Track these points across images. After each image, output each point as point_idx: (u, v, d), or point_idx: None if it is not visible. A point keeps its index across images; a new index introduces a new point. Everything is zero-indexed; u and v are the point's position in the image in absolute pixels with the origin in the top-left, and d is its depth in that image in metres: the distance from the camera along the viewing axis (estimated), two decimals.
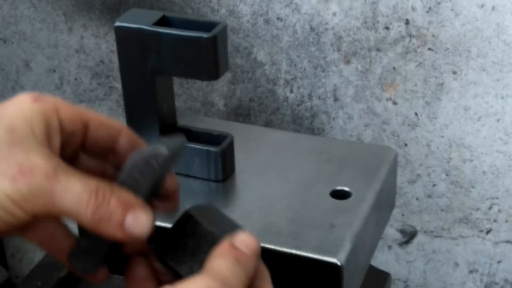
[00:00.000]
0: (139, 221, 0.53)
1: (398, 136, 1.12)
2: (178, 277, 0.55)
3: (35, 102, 0.54)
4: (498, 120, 1.07)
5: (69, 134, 0.56)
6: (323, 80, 1.12)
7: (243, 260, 0.53)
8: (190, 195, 0.77)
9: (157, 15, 0.75)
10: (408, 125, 1.11)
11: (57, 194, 0.51)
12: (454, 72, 1.06)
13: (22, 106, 0.54)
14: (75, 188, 0.52)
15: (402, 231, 1.20)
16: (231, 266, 0.52)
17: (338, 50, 1.09)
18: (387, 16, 1.05)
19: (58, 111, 0.55)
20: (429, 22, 1.03)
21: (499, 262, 1.17)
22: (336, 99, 1.13)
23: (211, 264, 0.52)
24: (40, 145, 0.53)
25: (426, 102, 1.09)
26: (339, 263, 0.67)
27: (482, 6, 1.00)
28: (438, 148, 1.11)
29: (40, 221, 0.56)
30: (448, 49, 1.04)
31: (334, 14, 1.07)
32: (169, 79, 0.78)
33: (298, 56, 1.12)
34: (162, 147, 0.54)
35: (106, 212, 0.52)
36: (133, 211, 0.53)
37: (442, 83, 1.07)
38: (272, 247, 0.69)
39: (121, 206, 0.52)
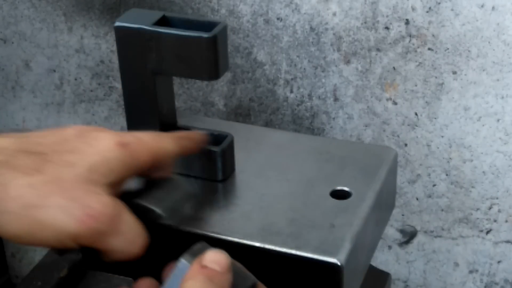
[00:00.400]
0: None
1: (398, 136, 1.12)
2: None
3: (121, 148, 0.59)
4: (498, 120, 1.07)
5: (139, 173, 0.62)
6: (323, 80, 1.12)
7: (215, 278, 0.53)
8: (190, 195, 0.77)
9: (157, 15, 0.75)
10: (408, 125, 1.11)
11: (115, 237, 0.58)
12: (454, 72, 1.06)
13: (107, 149, 0.58)
14: (134, 229, 0.59)
15: (402, 231, 1.20)
16: (204, 286, 0.52)
17: (338, 50, 1.09)
18: (387, 16, 1.05)
19: (139, 159, 0.60)
20: (429, 22, 1.03)
21: (499, 262, 1.17)
22: (336, 99, 1.13)
23: None
24: (112, 188, 0.58)
25: (426, 102, 1.09)
26: (339, 263, 0.67)
27: (482, 6, 1.00)
28: (438, 148, 1.11)
29: None
30: (448, 49, 1.04)
31: (334, 14, 1.07)
32: (169, 79, 0.78)
33: (298, 56, 1.12)
34: None
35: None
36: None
37: (442, 83, 1.07)
38: (272, 247, 0.69)
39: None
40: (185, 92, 1.20)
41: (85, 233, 0.55)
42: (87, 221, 0.55)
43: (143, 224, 0.61)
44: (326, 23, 1.08)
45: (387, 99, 1.10)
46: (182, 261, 0.56)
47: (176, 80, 1.17)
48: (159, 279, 0.73)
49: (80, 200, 0.55)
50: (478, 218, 1.14)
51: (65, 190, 0.54)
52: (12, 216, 0.53)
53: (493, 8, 1.00)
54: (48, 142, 0.57)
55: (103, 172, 0.57)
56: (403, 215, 1.18)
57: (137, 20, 0.74)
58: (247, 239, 0.69)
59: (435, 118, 1.09)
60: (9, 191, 0.53)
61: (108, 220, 0.56)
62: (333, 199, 0.75)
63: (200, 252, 0.57)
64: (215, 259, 0.55)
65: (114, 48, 1.12)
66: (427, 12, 1.03)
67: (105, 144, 0.58)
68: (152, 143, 0.62)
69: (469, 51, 1.04)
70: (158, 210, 0.67)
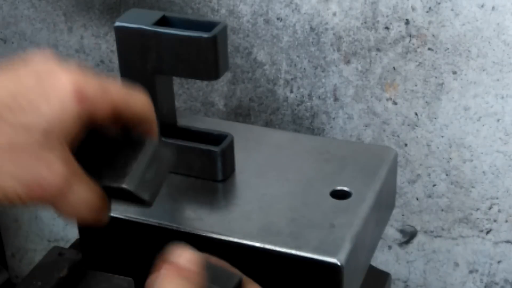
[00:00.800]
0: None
1: (398, 136, 1.12)
2: None
3: (79, 104, 0.55)
4: (498, 120, 1.07)
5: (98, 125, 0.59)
6: (323, 80, 1.12)
7: (193, 278, 0.53)
8: (190, 195, 0.77)
9: (157, 15, 0.75)
10: (408, 125, 1.11)
11: (63, 204, 0.57)
12: (454, 72, 1.06)
13: (64, 105, 0.55)
14: (83, 199, 0.57)
15: (402, 231, 1.20)
16: (179, 284, 0.52)
17: (338, 50, 1.09)
18: (387, 16, 1.05)
19: (98, 115, 0.57)
20: (429, 22, 1.03)
21: (499, 262, 1.17)
22: (336, 99, 1.13)
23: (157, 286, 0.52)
24: (65, 151, 0.56)
25: (426, 102, 1.09)
26: (339, 263, 0.67)
27: (482, 6, 1.00)
28: (438, 148, 1.11)
29: None
30: (448, 49, 1.04)
31: (334, 14, 1.07)
32: (169, 79, 0.78)
33: (298, 56, 1.12)
34: None
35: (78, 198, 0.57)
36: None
37: (442, 83, 1.07)
38: (272, 247, 0.69)
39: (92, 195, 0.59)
40: (185, 92, 1.20)
41: (33, 200, 0.55)
42: (36, 190, 0.55)
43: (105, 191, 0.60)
44: (326, 23, 1.08)
45: (387, 99, 1.10)
46: None
47: (176, 80, 1.17)
48: None
49: (31, 169, 0.54)
50: (478, 218, 1.14)
51: (17, 157, 0.54)
52: None
53: (493, 8, 1.00)
54: (3, 94, 0.55)
55: (58, 135, 0.55)
56: (403, 215, 1.18)
57: (137, 20, 0.74)
58: (247, 239, 0.69)
59: (435, 118, 1.09)
60: None
61: (56, 190, 0.55)
62: (333, 199, 0.75)
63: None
64: (189, 257, 0.53)
65: (114, 48, 1.12)
66: (427, 12, 1.03)
67: (62, 97, 0.55)
68: (118, 97, 0.58)
69: (469, 51, 1.04)
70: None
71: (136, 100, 0.60)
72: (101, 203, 0.59)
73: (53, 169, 0.55)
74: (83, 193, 0.57)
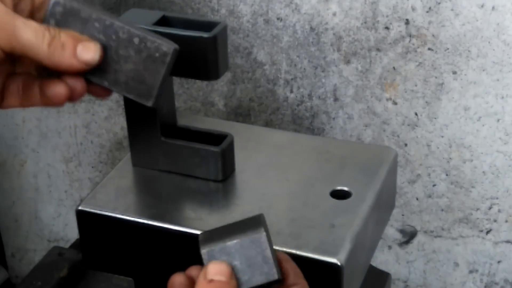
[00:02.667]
0: (89, 50, 0.60)
1: (398, 136, 1.12)
2: None
3: None
4: (498, 120, 1.07)
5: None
6: (323, 80, 1.12)
7: None
8: (190, 195, 0.77)
9: (157, 15, 0.75)
10: (408, 125, 1.11)
11: (17, 28, 0.58)
12: (454, 72, 1.06)
13: None
14: (32, 24, 0.58)
15: (402, 231, 1.20)
16: None
17: (338, 50, 1.09)
18: (387, 16, 1.05)
19: None
20: (429, 22, 1.03)
21: (499, 262, 1.17)
22: (336, 99, 1.13)
23: None
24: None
25: (426, 102, 1.09)
26: (339, 263, 0.67)
27: (482, 6, 1.00)
28: (438, 148, 1.11)
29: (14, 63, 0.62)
30: (448, 49, 1.04)
31: (334, 14, 1.07)
32: (169, 79, 0.78)
33: (298, 56, 1.12)
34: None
35: (59, 42, 0.59)
36: (82, 42, 0.60)
37: (442, 83, 1.07)
38: None
39: (71, 38, 0.60)
40: (185, 92, 1.20)
41: None
42: None
43: None
44: (326, 23, 1.08)
45: (387, 99, 1.10)
46: (204, 251, 0.58)
47: (176, 80, 1.17)
48: (160, 279, 0.73)
49: None
50: (478, 218, 1.15)
51: None
52: None
53: (493, 8, 1.00)
54: None
55: None
56: (403, 215, 1.18)
57: (137, 20, 0.74)
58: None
59: (435, 118, 1.09)
60: None
61: (4, 12, 0.57)
62: (333, 199, 0.75)
63: (210, 234, 0.59)
64: (218, 270, 0.56)
65: None
66: (427, 12, 1.03)
67: None
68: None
69: (469, 51, 1.04)
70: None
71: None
72: (49, 31, 0.59)
73: None
74: (30, 22, 0.59)
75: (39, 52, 0.58)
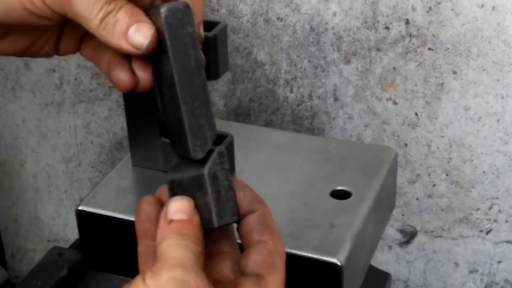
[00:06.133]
0: (141, 33, 0.53)
1: (398, 136, 1.12)
2: None
3: None
4: (498, 120, 1.07)
5: None
6: (323, 80, 1.12)
7: (185, 229, 0.51)
8: None
9: None
10: (408, 125, 1.11)
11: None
12: (454, 72, 1.06)
13: None
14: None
15: (402, 231, 1.20)
16: (179, 244, 0.51)
17: (338, 50, 1.09)
18: (387, 16, 1.05)
19: None
20: (429, 22, 1.03)
21: (499, 262, 1.17)
22: (336, 99, 1.13)
23: (161, 252, 0.51)
24: None
25: (426, 102, 1.09)
26: (339, 263, 0.67)
27: (482, 6, 1.00)
28: (438, 148, 1.11)
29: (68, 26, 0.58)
30: (448, 49, 1.04)
31: (334, 14, 1.07)
32: None
33: (298, 56, 1.11)
34: None
35: (112, 19, 0.52)
36: (138, 23, 0.53)
37: (442, 83, 1.07)
38: None
39: (128, 17, 0.53)
40: None
41: (37, 16, 0.53)
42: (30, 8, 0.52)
43: None
44: (326, 23, 1.08)
45: (387, 99, 1.10)
46: (168, 179, 0.54)
47: None
48: None
49: None
50: (478, 218, 1.14)
51: None
52: None
53: (493, 8, 1.00)
54: None
55: None
56: (403, 215, 1.18)
57: None
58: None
59: (435, 118, 1.09)
60: None
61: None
62: (333, 199, 0.75)
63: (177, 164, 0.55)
64: (178, 207, 0.52)
65: None
66: (427, 12, 1.03)
67: None
68: None
69: (469, 51, 1.04)
70: None
71: None
72: (109, 5, 0.53)
73: None
74: (84, 2, 0.53)
75: (90, 25, 0.53)
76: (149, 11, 0.54)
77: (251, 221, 0.55)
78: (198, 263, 0.50)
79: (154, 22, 0.53)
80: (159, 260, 0.51)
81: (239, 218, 0.54)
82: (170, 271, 0.49)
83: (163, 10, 0.52)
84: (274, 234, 0.55)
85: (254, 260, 0.54)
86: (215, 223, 0.53)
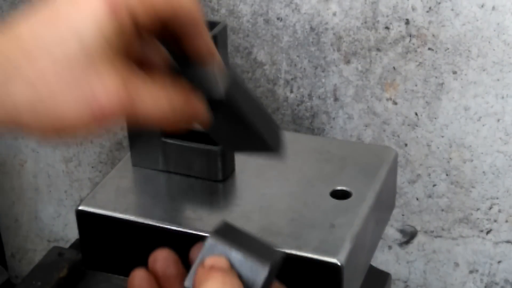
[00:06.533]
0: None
1: (398, 136, 1.12)
2: None
3: (111, 15, 0.49)
4: (498, 120, 1.07)
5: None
6: (323, 80, 1.12)
7: (227, 275, 0.52)
8: (190, 195, 0.77)
9: None
10: (408, 125, 1.11)
11: (134, 116, 0.51)
12: (454, 72, 1.06)
13: (97, 19, 0.48)
14: (150, 102, 0.51)
15: (402, 231, 1.20)
16: (224, 282, 0.51)
17: (338, 50, 1.09)
18: (387, 16, 1.05)
19: (138, 22, 0.50)
20: (429, 22, 1.03)
21: (499, 262, 1.17)
22: (336, 99, 1.13)
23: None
24: (115, 61, 0.50)
25: (426, 102, 1.09)
26: (339, 263, 0.67)
27: (482, 6, 1.00)
28: (438, 148, 1.11)
29: None
30: (448, 49, 1.04)
31: (334, 14, 1.07)
32: None
33: (298, 56, 1.11)
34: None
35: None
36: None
37: (442, 83, 1.07)
38: None
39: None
40: None
41: (100, 121, 0.49)
42: (98, 116, 0.49)
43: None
44: (326, 23, 1.08)
45: (387, 99, 1.10)
46: (210, 241, 0.55)
47: None
48: None
49: (83, 93, 0.48)
50: (478, 218, 1.14)
51: (65, 81, 0.48)
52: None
53: (493, 8, 1.00)
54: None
55: (100, 49, 0.48)
56: (403, 215, 1.18)
57: None
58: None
59: (435, 118, 1.09)
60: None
61: (120, 109, 0.49)
62: (333, 199, 0.75)
63: (226, 230, 0.56)
64: (217, 260, 0.53)
65: None
66: (427, 12, 1.03)
67: (94, 13, 0.48)
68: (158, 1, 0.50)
69: (469, 51, 1.04)
70: None
71: (183, 4, 0.51)
72: (183, 104, 0.53)
73: (106, 85, 0.49)
74: (152, 100, 0.51)
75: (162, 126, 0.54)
76: None
77: None
78: None
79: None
80: None
81: None
82: None
83: None
84: None
85: None
86: None
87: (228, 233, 0.56)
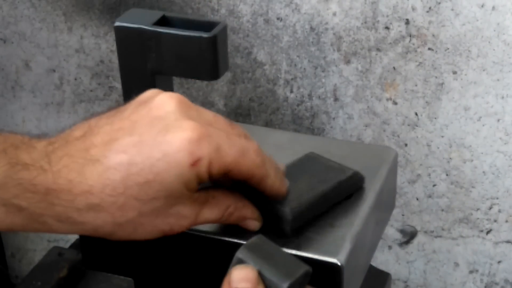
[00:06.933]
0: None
1: (398, 136, 1.12)
2: None
3: (193, 167, 0.57)
4: (498, 120, 1.07)
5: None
6: (323, 80, 1.12)
7: None
8: None
9: (157, 15, 0.75)
10: (408, 125, 1.11)
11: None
12: (454, 72, 1.06)
13: (181, 172, 0.57)
14: (209, 216, 0.63)
15: (402, 231, 1.20)
16: None
17: (338, 50, 1.09)
18: (387, 16, 1.05)
19: (211, 173, 0.59)
20: (429, 22, 1.03)
21: (499, 262, 1.17)
22: (336, 99, 1.13)
23: None
24: (187, 199, 0.60)
25: (426, 102, 1.09)
26: (339, 263, 0.67)
27: (482, 6, 1.00)
28: (438, 148, 1.11)
29: None
30: (448, 49, 1.04)
31: (334, 14, 1.07)
32: (169, 79, 0.78)
33: (298, 56, 1.11)
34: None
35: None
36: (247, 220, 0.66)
37: (442, 83, 1.07)
38: None
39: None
40: (185, 92, 1.20)
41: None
42: (168, 234, 0.61)
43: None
44: (326, 23, 1.08)
45: (387, 99, 1.10)
46: (238, 255, 0.57)
47: (176, 80, 1.17)
48: (160, 279, 0.73)
49: (163, 224, 0.60)
50: (478, 218, 1.14)
51: (152, 221, 0.59)
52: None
53: (493, 8, 1.00)
54: (121, 147, 0.58)
55: (181, 193, 0.59)
56: (403, 215, 1.18)
57: (137, 20, 0.74)
58: (247, 239, 0.69)
59: (435, 118, 1.09)
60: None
61: (186, 228, 0.62)
62: None
63: (256, 246, 0.57)
64: (243, 276, 0.55)
65: (114, 48, 1.12)
66: (427, 12, 1.03)
67: (178, 166, 0.57)
68: (230, 160, 0.59)
69: (469, 51, 1.04)
70: None
71: (247, 161, 0.61)
72: (233, 213, 0.64)
73: (181, 216, 0.60)
74: (210, 214, 0.62)
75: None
76: None
77: None
78: None
79: None
80: None
81: None
82: None
83: None
84: None
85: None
86: None
87: (257, 248, 0.57)
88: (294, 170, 0.71)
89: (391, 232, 1.20)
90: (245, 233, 0.70)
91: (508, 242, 1.15)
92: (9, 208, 0.57)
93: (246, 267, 0.55)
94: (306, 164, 0.73)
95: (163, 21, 0.74)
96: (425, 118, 1.10)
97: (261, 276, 0.55)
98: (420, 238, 1.19)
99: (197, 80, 1.15)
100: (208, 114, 0.63)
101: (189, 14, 1.13)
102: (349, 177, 0.73)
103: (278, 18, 1.10)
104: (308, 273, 0.57)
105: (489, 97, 1.06)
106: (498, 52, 1.02)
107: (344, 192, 0.73)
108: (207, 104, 1.20)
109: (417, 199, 1.16)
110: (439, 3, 1.02)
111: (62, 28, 1.24)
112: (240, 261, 0.56)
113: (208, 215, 0.62)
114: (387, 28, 1.06)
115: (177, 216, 0.59)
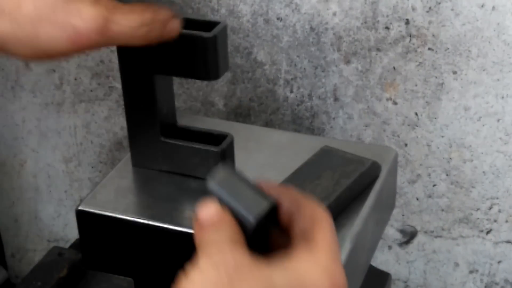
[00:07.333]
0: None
1: (398, 136, 1.12)
2: None
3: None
4: (498, 120, 1.07)
5: None
6: (323, 80, 1.12)
7: (219, 226, 0.52)
8: (190, 195, 0.77)
9: None
10: (408, 125, 1.11)
11: (112, 36, 0.61)
12: (454, 72, 1.06)
13: None
14: (123, 22, 0.61)
15: (402, 231, 1.20)
16: (213, 234, 0.51)
17: (338, 50, 1.09)
18: (387, 16, 1.05)
19: None
20: (429, 22, 1.03)
21: (499, 262, 1.17)
22: (336, 99, 1.13)
23: (199, 249, 0.52)
24: None
25: (426, 102, 1.09)
26: None
27: (482, 6, 1.00)
28: (438, 148, 1.11)
29: None
30: (448, 49, 1.04)
31: (334, 14, 1.07)
32: (169, 79, 0.78)
33: (298, 56, 1.11)
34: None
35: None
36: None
37: (442, 83, 1.07)
38: None
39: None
40: (185, 92, 1.20)
41: (83, 48, 0.59)
42: (78, 41, 0.58)
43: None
44: (326, 23, 1.08)
45: (387, 99, 1.10)
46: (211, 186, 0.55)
47: (176, 80, 1.17)
48: (160, 279, 0.73)
49: (65, 24, 0.58)
50: (478, 218, 1.14)
51: (44, 13, 0.58)
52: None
53: (493, 8, 1.00)
54: None
55: None
56: (403, 215, 1.18)
57: None
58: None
59: (435, 118, 1.09)
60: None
61: (96, 33, 0.59)
62: None
63: (224, 177, 0.55)
64: (208, 214, 0.53)
65: (114, 48, 1.12)
66: (427, 12, 1.03)
67: None
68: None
69: (469, 51, 1.04)
70: None
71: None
72: (152, 18, 0.62)
73: (83, 14, 0.58)
74: (125, 20, 0.60)
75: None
76: None
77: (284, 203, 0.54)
78: (236, 242, 0.50)
79: None
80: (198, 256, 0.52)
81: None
82: (207, 257, 0.50)
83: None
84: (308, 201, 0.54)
85: (300, 221, 0.53)
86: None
87: (225, 181, 0.55)
88: (315, 166, 0.71)
89: (391, 232, 1.20)
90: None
91: (508, 242, 1.15)
92: None
93: (211, 204, 0.53)
94: (324, 159, 0.73)
95: None
96: (425, 118, 1.10)
97: (230, 209, 0.53)
98: (420, 238, 1.19)
99: (197, 80, 1.15)
100: None
101: (189, 14, 1.13)
102: (368, 168, 0.75)
103: (278, 18, 1.10)
104: (275, 207, 0.55)
105: (489, 97, 1.06)
106: (498, 52, 1.02)
107: (366, 182, 0.74)
108: (207, 104, 1.20)
109: (417, 199, 1.16)
110: (439, 3, 1.01)
111: None
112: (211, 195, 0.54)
113: (123, 21, 0.60)
114: (387, 28, 1.06)
115: (78, 14, 0.59)
